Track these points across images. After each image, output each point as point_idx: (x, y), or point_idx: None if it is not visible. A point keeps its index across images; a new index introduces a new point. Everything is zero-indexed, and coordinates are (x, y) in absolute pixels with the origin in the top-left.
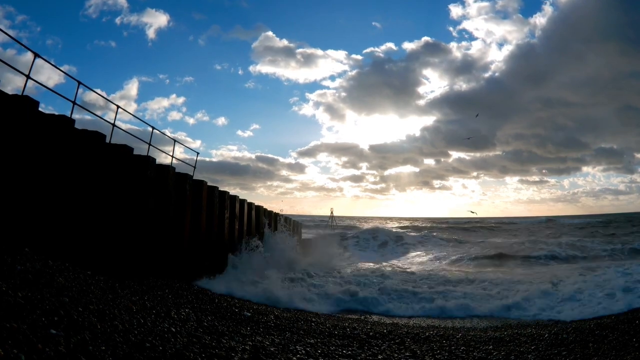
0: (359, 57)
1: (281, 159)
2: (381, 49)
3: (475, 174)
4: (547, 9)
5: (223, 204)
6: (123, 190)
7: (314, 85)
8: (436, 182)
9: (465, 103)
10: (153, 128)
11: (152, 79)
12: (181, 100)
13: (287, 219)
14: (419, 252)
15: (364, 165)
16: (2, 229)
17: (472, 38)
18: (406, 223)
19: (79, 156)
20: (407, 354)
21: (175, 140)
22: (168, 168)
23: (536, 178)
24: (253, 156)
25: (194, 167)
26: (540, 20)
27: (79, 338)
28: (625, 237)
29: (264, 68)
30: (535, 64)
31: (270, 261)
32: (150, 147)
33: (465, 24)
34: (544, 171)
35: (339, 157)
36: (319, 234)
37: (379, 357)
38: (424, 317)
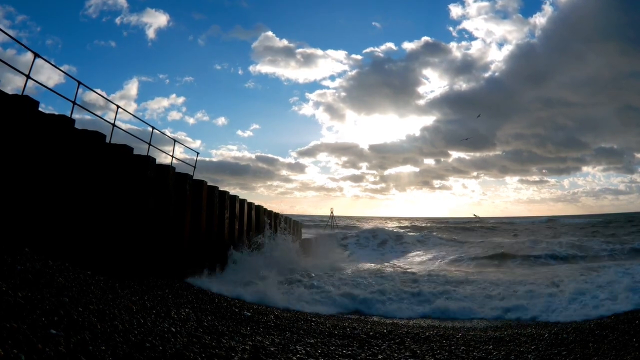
0: (358, 57)
1: (281, 159)
2: (381, 49)
3: (475, 173)
4: (547, 8)
5: (223, 203)
6: (123, 190)
7: (313, 85)
8: (436, 182)
9: (465, 103)
10: (153, 128)
11: (152, 79)
12: (181, 100)
13: (287, 218)
14: (419, 252)
15: (364, 165)
16: (2, 229)
17: (472, 38)
18: (406, 223)
19: (79, 156)
20: (407, 353)
21: (175, 140)
22: (168, 168)
23: (536, 178)
24: (253, 156)
25: (194, 167)
26: (540, 20)
27: (79, 338)
28: (625, 237)
29: (263, 68)
30: (535, 63)
31: (271, 261)
32: (150, 147)
33: (465, 24)
34: (544, 171)
35: (338, 157)
36: (319, 234)
37: (379, 357)
38: (424, 318)
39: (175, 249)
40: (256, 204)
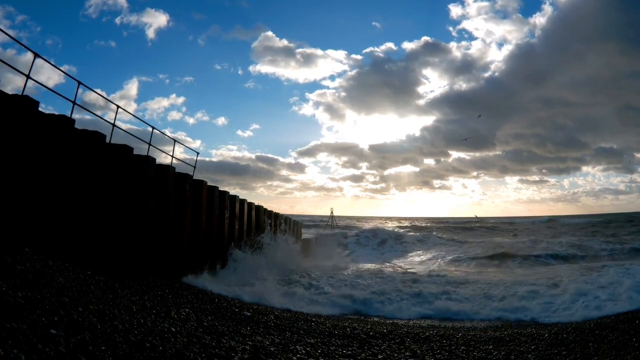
0: (358, 57)
1: (281, 159)
2: (381, 49)
3: (475, 173)
4: (547, 8)
5: (223, 203)
6: (123, 190)
7: (313, 85)
8: (436, 182)
9: (465, 103)
10: (153, 128)
11: (152, 79)
12: (181, 100)
13: (287, 219)
14: (419, 252)
15: (363, 165)
16: (2, 229)
17: (471, 38)
18: (406, 223)
19: (79, 156)
20: (407, 353)
21: (175, 140)
22: (168, 168)
23: (536, 178)
24: (253, 156)
25: (194, 167)
26: (540, 20)
27: (79, 338)
28: (625, 237)
29: (263, 68)
30: (535, 63)
31: (271, 262)
32: (150, 147)
33: (465, 24)
34: (544, 171)
35: (338, 157)
36: (319, 234)
37: (379, 356)
38: (424, 319)
39: (175, 249)
40: (256, 204)
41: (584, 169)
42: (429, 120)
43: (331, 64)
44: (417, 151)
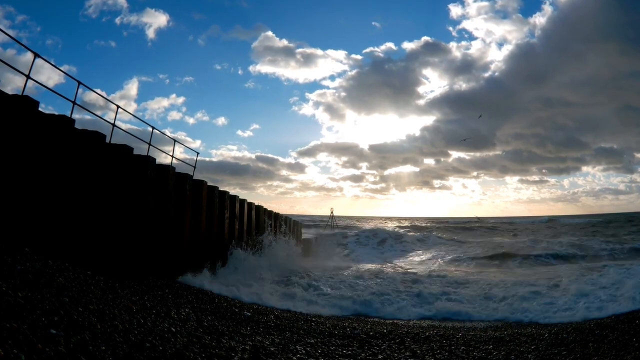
0: (358, 57)
1: (281, 159)
2: (381, 49)
3: (475, 173)
4: (547, 8)
5: (223, 203)
6: (123, 190)
7: (313, 85)
8: (436, 182)
9: (465, 103)
10: (153, 128)
11: (152, 79)
12: (181, 100)
13: (287, 219)
14: (419, 252)
15: (364, 165)
16: (2, 229)
17: (471, 38)
18: (406, 223)
19: (79, 156)
20: (407, 353)
21: (175, 140)
22: (168, 168)
23: (536, 178)
24: (253, 156)
25: (194, 167)
26: (540, 20)
27: (79, 338)
28: (625, 237)
29: (263, 68)
30: (535, 63)
31: (271, 262)
32: (150, 147)
33: (465, 24)
34: (543, 171)
35: (338, 157)
36: (319, 234)
37: (379, 356)
38: (424, 319)
39: (175, 249)
40: (256, 204)
41: (584, 169)
42: (429, 120)
43: (331, 64)
44: (417, 151)
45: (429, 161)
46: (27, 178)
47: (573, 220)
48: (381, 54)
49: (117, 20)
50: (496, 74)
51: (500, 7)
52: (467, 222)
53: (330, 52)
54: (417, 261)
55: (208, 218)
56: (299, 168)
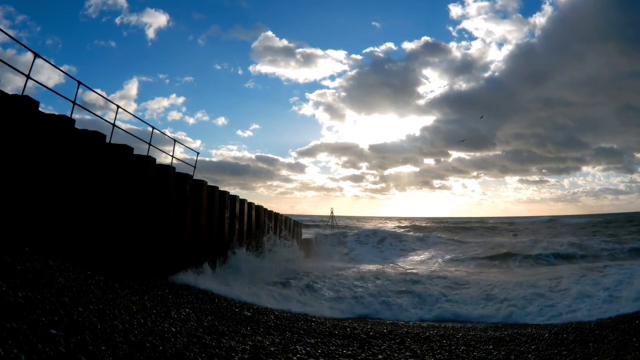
0: (358, 57)
1: (281, 159)
2: (381, 49)
3: (475, 173)
4: (547, 8)
5: (223, 203)
6: (123, 190)
7: (313, 85)
8: (436, 182)
9: (465, 103)
10: (153, 128)
11: (152, 79)
12: (181, 100)
13: (287, 219)
14: (419, 253)
15: (364, 165)
16: (2, 229)
17: (471, 38)
18: (406, 223)
19: (79, 156)
20: (408, 353)
21: (175, 140)
22: (168, 168)
23: (536, 178)
24: (253, 156)
25: (194, 167)
26: (540, 20)
27: (79, 338)
28: (626, 237)
29: (263, 68)
30: (535, 63)
31: (270, 262)
32: (150, 147)
33: (465, 24)
34: (543, 171)
35: (338, 157)
36: (319, 234)
37: (379, 356)
38: (425, 320)
39: (175, 249)
40: (256, 204)
41: (584, 169)
42: (429, 120)
43: (331, 64)
44: (417, 151)
45: (429, 161)
46: (27, 178)
47: (573, 220)
48: (381, 54)
49: (117, 20)
50: (496, 74)
51: (500, 7)
52: (467, 222)
53: (330, 52)
54: (418, 261)
55: (208, 218)
56: (299, 168)
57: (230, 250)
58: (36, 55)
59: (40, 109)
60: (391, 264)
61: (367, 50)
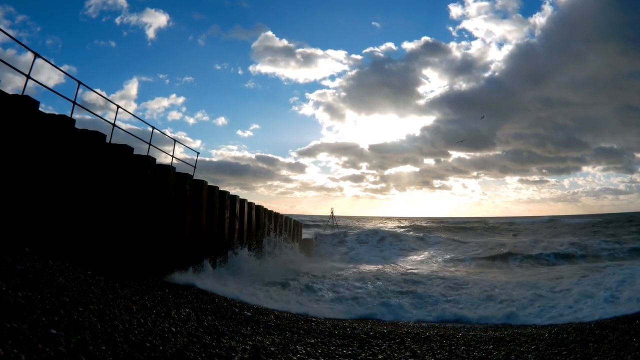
0: (358, 57)
1: (281, 159)
2: (381, 49)
3: (475, 173)
4: (547, 8)
5: (223, 203)
6: (123, 190)
7: (313, 85)
8: (436, 182)
9: (465, 103)
10: (153, 128)
11: (152, 79)
12: (181, 100)
13: (288, 219)
14: (420, 253)
15: (364, 165)
16: (2, 229)
17: (471, 38)
18: (406, 223)
19: (79, 156)
20: (408, 353)
21: (175, 140)
22: (168, 168)
23: (536, 178)
24: (253, 156)
25: (194, 167)
26: (540, 20)
27: (79, 338)
28: (626, 237)
29: (263, 68)
30: (535, 63)
31: (270, 262)
32: (151, 147)
33: (465, 24)
34: (544, 171)
35: (339, 157)
36: (320, 234)
37: (379, 356)
38: (425, 321)
39: (176, 249)
40: (256, 204)
41: (584, 169)
42: (429, 120)
43: (331, 64)
44: (417, 151)
45: (429, 161)
46: (27, 178)
47: (573, 220)
48: (381, 54)
49: (117, 20)
50: (496, 74)
51: (500, 7)
52: (468, 222)
53: (330, 52)
54: (418, 262)
55: (208, 218)
56: (299, 168)
57: (230, 250)
58: (36, 55)
59: (40, 108)
60: (391, 264)
61: (367, 50)
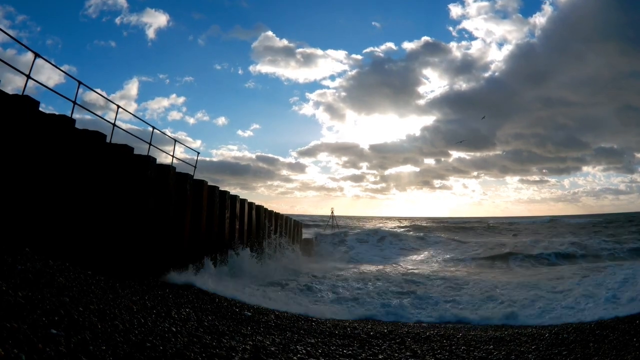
0: (358, 56)
1: (281, 159)
2: (381, 49)
3: (475, 173)
4: (547, 8)
5: (223, 203)
6: (123, 190)
7: (314, 85)
8: (436, 182)
9: (465, 103)
10: (153, 128)
11: (152, 79)
12: (181, 100)
13: (288, 219)
14: (420, 253)
15: (364, 165)
16: (2, 229)
17: (471, 38)
18: (407, 223)
19: (79, 156)
20: (408, 353)
21: (175, 140)
22: (168, 168)
23: (536, 178)
24: (253, 156)
25: (195, 167)
26: (540, 19)
27: (79, 338)
28: (626, 237)
29: (264, 68)
30: (535, 63)
31: (271, 262)
32: (151, 146)
33: (465, 24)
34: (544, 171)
35: (339, 157)
36: (320, 234)
37: (380, 356)
38: (425, 320)
39: (176, 249)
40: (257, 204)
41: (584, 169)
42: (429, 120)
43: (331, 64)
44: (417, 151)
45: (429, 161)
46: (27, 178)
47: (574, 220)
48: (381, 54)
49: (117, 20)
50: (496, 74)
51: (500, 7)
52: (468, 222)
53: (330, 52)
54: (418, 262)
55: (208, 218)
56: (299, 168)
57: (230, 250)
58: (36, 55)
59: (40, 108)
60: (391, 265)
61: (367, 50)
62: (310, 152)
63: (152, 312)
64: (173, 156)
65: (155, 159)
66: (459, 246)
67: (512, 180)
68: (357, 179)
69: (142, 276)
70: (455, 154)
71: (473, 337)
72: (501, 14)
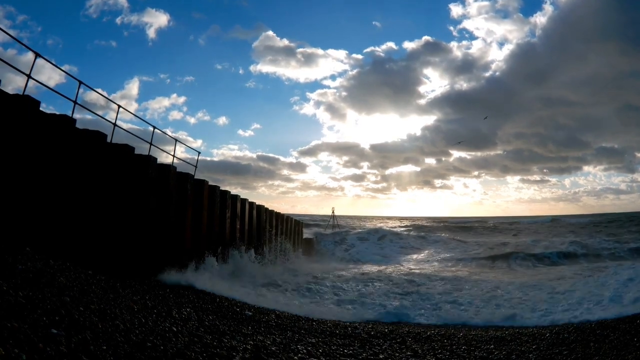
0: (359, 56)
1: (282, 159)
2: (382, 49)
3: (476, 173)
4: (548, 8)
5: (224, 203)
6: (124, 190)
7: (314, 85)
8: (437, 182)
9: (465, 102)
10: (154, 127)
11: (153, 79)
12: (182, 99)
13: (289, 218)
14: (421, 253)
15: (365, 164)
16: (3, 229)
17: (472, 37)
18: (407, 222)
19: (80, 156)
20: (409, 353)
21: (176, 140)
22: (169, 167)
23: (537, 177)
24: (254, 155)
25: (195, 167)
26: (540, 19)
27: (80, 337)
28: (627, 236)
29: (264, 67)
30: (535, 63)
31: (271, 263)
32: (152, 146)
33: (466, 23)
34: (545, 170)
35: (340, 157)
36: (320, 233)
37: (380, 356)
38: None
39: (176, 249)
40: (257, 203)
41: (585, 168)
42: (430, 119)
43: (332, 64)
44: (418, 151)
45: (430, 161)
46: (28, 178)
47: (574, 219)
48: (382, 54)
49: (118, 20)
50: (497, 73)
51: (500, 7)
52: (469, 222)
53: (331, 51)
54: (419, 262)
55: (209, 218)
56: (300, 167)
57: (231, 250)
58: (37, 55)
59: (41, 108)
60: (392, 265)
61: (368, 49)
62: (311, 152)
63: (152, 312)
64: (174, 156)
65: (156, 159)
66: (459, 246)
67: (513, 179)
68: (358, 178)
69: (143, 276)
70: (456, 154)
71: (474, 337)
72: (502, 14)
